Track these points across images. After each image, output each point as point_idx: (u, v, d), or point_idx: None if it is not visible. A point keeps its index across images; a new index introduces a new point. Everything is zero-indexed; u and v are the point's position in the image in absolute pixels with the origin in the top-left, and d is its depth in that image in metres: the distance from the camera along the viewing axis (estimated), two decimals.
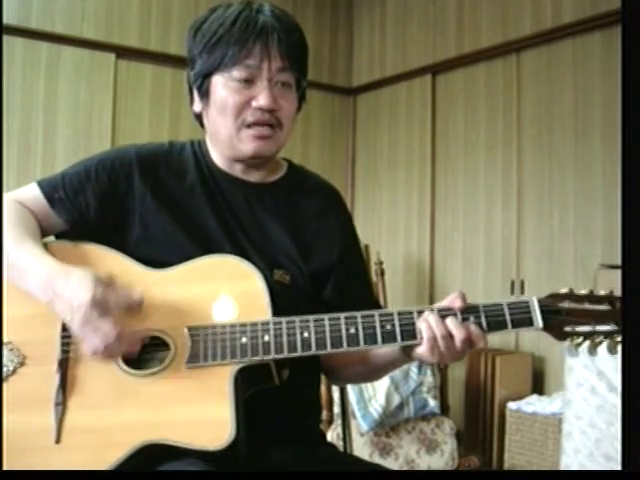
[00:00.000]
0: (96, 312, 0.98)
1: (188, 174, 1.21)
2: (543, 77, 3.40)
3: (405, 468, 2.76)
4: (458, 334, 1.02)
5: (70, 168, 1.21)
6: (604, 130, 3.10)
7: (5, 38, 3.14)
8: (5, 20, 3.11)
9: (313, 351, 1.02)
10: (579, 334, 1.03)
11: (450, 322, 1.03)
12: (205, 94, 1.18)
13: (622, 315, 1.00)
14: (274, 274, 1.15)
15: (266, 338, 1.02)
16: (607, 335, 1.02)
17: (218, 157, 1.23)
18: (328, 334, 1.03)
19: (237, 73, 1.13)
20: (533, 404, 3.05)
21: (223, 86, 1.15)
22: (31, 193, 1.18)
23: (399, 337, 1.04)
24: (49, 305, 1.02)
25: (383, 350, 1.15)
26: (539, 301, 1.04)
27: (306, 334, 1.03)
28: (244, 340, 1.02)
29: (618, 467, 2.29)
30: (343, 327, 1.03)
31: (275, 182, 1.25)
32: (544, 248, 3.36)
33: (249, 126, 1.14)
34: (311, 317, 1.04)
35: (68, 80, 3.44)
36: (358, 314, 1.04)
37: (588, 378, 2.49)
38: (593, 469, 2.43)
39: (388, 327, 1.04)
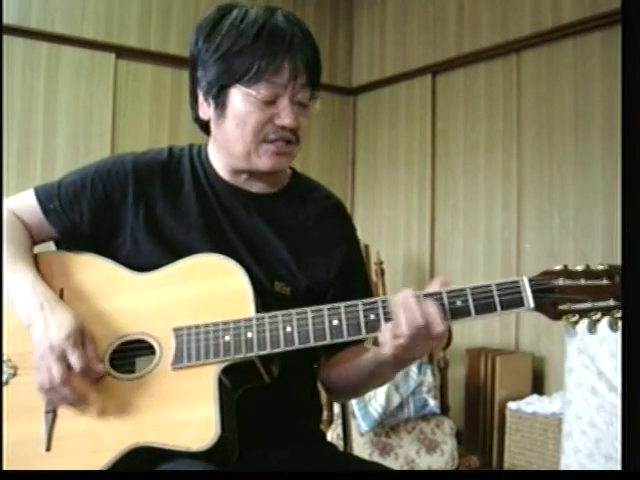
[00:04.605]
0: (56, 353, 1.00)
1: (185, 184, 1.20)
2: (543, 77, 3.40)
3: (405, 468, 2.75)
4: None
5: (68, 176, 1.20)
6: (604, 130, 3.10)
7: (5, 38, 3.13)
8: (5, 20, 3.10)
9: (296, 345, 1.01)
10: (575, 312, 0.97)
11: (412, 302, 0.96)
12: (222, 105, 1.12)
13: (622, 314, 0.96)
14: (274, 285, 1.14)
15: (249, 335, 1.01)
16: (606, 311, 0.96)
17: (221, 166, 1.20)
18: (311, 327, 1.01)
19: (262, 90, 1.08)
20: (533, 404, 3.04)
21: (243, 100, 1.10)
22: (27, 201, 1.19)
23: (383, 325, 0.99)
24: (28, 328, 1.04)
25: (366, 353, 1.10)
26: (530, 280, 0.99)
27: (289, 328, 1.01)
28: (227, 338, 1.02)
29: (618, 467, 2.28)
30: (326, 319, 1.01)
31: (277, 193, 1.23)
32: (544, 248, 3.36)
33: (269, 142, 1.11)
34: (293, 311, 1.02)
35: (68, 80, 3.44)
36: (342, 304, 1.02)
37: (588, 378, 2.49)
38: (593, 469, 2.43)
39: (372, 316, 1.01)
